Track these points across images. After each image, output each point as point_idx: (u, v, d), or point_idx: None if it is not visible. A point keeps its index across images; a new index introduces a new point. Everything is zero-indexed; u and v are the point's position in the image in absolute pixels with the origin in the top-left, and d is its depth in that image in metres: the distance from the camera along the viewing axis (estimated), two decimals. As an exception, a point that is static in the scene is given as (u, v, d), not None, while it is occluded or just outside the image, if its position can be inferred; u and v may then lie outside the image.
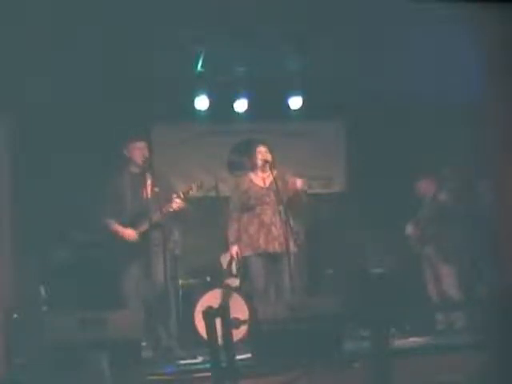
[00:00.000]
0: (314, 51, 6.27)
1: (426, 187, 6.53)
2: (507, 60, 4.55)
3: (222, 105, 7.18)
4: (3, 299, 5.18)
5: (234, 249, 5.65)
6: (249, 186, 5.68)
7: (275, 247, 5.54)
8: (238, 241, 5.64)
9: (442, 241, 6.32)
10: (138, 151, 5.49)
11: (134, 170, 5.51)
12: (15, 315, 5.15)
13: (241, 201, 5.68)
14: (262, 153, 5.68)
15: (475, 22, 4.64)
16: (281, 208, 5.51)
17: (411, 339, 5.60)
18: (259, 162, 5.68)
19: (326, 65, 6.51)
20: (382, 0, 5.22)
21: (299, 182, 5.56)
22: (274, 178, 5.53)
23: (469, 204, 6.34)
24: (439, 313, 6.27)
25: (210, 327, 3.82)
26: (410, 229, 6.57)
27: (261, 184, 5.69)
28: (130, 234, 5.38)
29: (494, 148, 4.77)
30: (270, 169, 5.60)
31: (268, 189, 5.63)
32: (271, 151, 5.70)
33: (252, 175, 5.76)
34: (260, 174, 5.73)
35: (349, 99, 7.05)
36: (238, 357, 4.56)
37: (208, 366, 4.21)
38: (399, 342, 5.28)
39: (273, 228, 5.56)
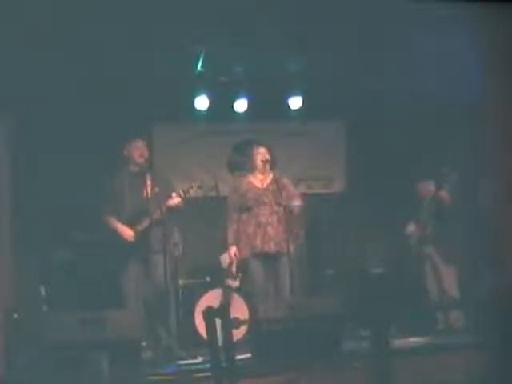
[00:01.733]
0: (314, 51, 6.27)
1: (425, 187, 6.52)
2: (507, 60, 4.56)
3: (222, 105, 7.17)
4: (3, 299, 5.18)
5: (233, 250, 5.66)
6: (247, 188, 5.68)
7: (271, 247, 5.54)
8: (236, 242, 5.65)
9: (442, 241, 6.32)
10: (137, 150, 5.49)
11: (134, 169, 5.51)
12: (15, 315, 5.14)
13: (239, 202, 5.68)
14: (262, 153, 5.68)
15: (475, 22, 4.64)
16: (279, 208, 5.52)
17: (411, 339, 5.60)
18: (259, 163, 5.68)
19: (326, 65, 6.50)
20: (382, 0, 5.22)
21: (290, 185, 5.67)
22: (274, 179, 5.53)
23: (469, 204, 6.34)
24: (439, 313, 6.27)
25: (210, 327, 3.82)
26: (409, 229, 6.56)
27: (259, 185, 5.69)
28: (129, 233, 5.38)
29: (494, 148, 4.77)
30: (270, 169, 5.61)
31: (266, 189, 5.64)
32: (271, 152, 5.70)
33: (251, 177, 5.77)
34: (259, 174, 5.73)
35: (349, 99, 7.04)
36: (238, 357, 4.56)
37: (208, 365, 4.22)
38: (399, 342, 5.27)
39: (269, 228, 5.55)
